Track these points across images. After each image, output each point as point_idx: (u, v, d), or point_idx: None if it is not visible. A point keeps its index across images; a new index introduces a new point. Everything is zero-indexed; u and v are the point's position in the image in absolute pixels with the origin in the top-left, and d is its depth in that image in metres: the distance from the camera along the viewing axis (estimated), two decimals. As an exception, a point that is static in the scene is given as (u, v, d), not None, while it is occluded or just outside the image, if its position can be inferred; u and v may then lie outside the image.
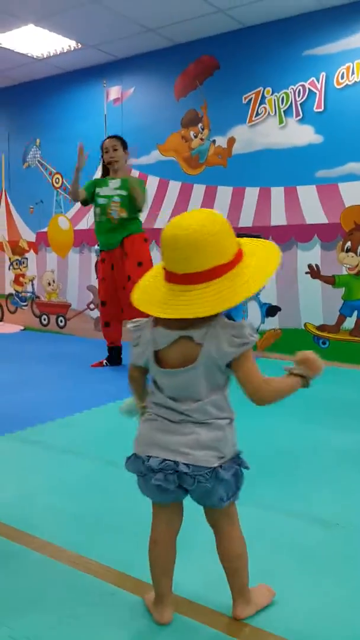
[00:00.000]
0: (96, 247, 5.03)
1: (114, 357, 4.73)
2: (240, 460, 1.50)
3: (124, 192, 4.41)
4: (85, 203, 4.68)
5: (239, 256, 1.39)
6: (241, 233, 5.05)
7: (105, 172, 4.61)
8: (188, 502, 1.52)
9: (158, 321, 1.41)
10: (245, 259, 1.40)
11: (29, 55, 5.76)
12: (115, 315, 4.62)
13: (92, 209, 4.69)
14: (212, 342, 1.37)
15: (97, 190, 4.53)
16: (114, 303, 4.58)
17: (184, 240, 1.32)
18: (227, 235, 1.37)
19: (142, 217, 4.65)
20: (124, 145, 4.55)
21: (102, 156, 4.58)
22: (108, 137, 4.60)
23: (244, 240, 1.46)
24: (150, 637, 1.48)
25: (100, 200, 4.49)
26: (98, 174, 6.07)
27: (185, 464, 1.39)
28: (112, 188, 4.46)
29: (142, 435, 1.47)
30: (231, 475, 1.44)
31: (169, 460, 1.40)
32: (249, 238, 1.49)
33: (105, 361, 4.74)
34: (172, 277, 1.37)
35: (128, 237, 4.45)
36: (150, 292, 1.41)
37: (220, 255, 1.35)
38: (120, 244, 4.46)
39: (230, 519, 1.51)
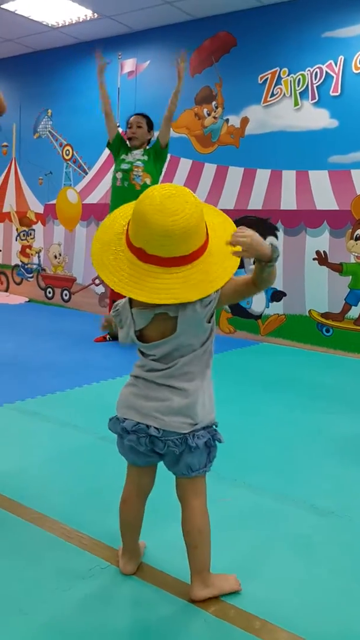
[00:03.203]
0: None
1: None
2: (215, 431, 1.52)
3: (146, 158, 4.43)
4: (110, 127, 4.53)
5: (207, 232, 1.42)
6: (249, 216, 5.05)
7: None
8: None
9: (133, 302, 1.44)
10: (210, 233, 1.43)
11: (44, 23, 5.67)
12: None
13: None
14: (186, 312, 1.40)
15: (122, 155, 4.50)
16: None
17: (177, 228, 1.32)
18: (202, 214, 1.39)
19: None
20: (150, 125, 4.53)
21: (126, 129, 4.56)
22: (135, 114, 4.56)
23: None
24: (139, 612, 1.50)
25: (124, 165, 4.45)
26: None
27: (156, 427, 1.45)
28: (134, 156, 4.46)
29: (122, 398, 1.54)
30: (202, 443, 1.47)
31: (142, 423, 1.46)
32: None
33: (108, 336, 4.75)
34: (153, 259, 1.35)
35: None
36: (125, 275, 1.38)
37: (202, 237, 1.39)
38: None
39: (196, 492, 1.54)
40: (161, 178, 4.71)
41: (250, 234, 1.36)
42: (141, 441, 1.47)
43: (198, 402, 1.47)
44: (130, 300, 1.45)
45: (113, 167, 4.63)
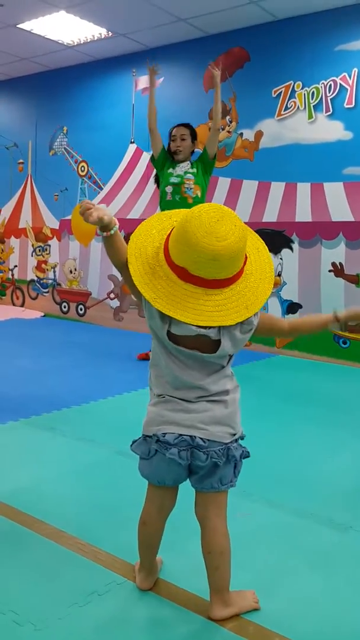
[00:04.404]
0: None
1: None
2: (244, 446, 1.53)
3: (195, 170, 4.25)
4: (154, 142, 4.31)
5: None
6: (264, 229, 5.04)
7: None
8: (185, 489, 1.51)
9: None
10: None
11: (60, 42, 5.76)
12: None
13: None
14: (227, 336, 1.41)
15: (169, 169, 4.32)
16: None
17: (227, 253, 1.32)
18: (247, 236, 1.41)
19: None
20: (194, 136, 4.31)
21: (169, 142, 4.34)
22: (177, 125, 4.34)
23: None
24: (156, 628, 1.47)
25: (173, 179, 4.28)
26: (127, 158, 6.14)
27: (201, 438, 1.43)
28: (182, 169, 4.27)
29: (155, 415, 1.48)
30: (239, 455, 1.48)
31: (185, 435, 1.43)
32: None
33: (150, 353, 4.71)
34: (194, 280, 1.35)
35: None
36: (164, 292, 1.37)
37: (243, 260, 1.40)
38: None
39: (219, 510, 1.51)
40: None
41: None
42: (182, 455, 1.44)
43: (237, 414, 1.49)
44: None
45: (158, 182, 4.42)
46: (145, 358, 4.68)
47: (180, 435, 1.43)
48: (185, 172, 4.28)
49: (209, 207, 1.36)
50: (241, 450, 1.50)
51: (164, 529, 1.60)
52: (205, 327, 1.38)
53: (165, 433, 1.45)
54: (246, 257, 1.41)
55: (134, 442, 1.54)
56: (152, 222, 1.48)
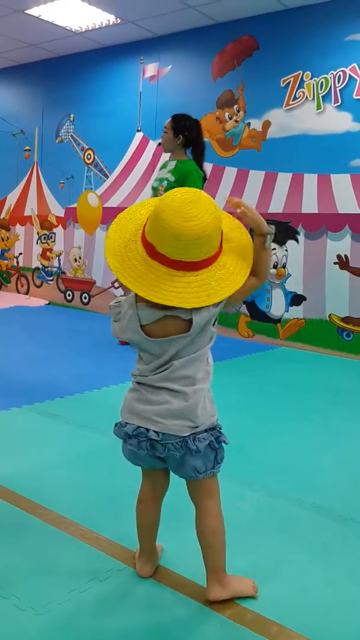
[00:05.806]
0: None
1: None
2: (219, 433, 1.51)
3: (173, 178, 4.10)
4: None
5: (221, 244, 1.41)
6: (270, 220, 5.02)
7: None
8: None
9: (140, 298, 1.42)
10: (223, 245, 1.42)
11: (68, 28, 5.72)
12: None
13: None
14: (200, 313, 1.40)
15: (157, 172, 4.25)
16: None
17: (190, 234, 1.32)
18: (220, 226, 1.39)
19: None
20: (175, 129, 4.12)
21: None
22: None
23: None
24: (156, 614, 1.49)
25: (154, 183, 4.23)
26: (133, 146, 6.13)
27: (155, 431, 1.44)
28: (166, 171, 4.18)
29: (125, 403, 1.54)
30: (205, 446, 1.46)
31: (142, 427, 1.46)
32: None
33: None
34: (159, 258, 1.36)
35: None
36: (129, 265, 1.39)
37: (214, 248, 1.39)
38: None
39: (209, 493, 1.53)
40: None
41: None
42: (142, 445, 1.46)
43: (199, 405, 1.45)
44: (136, 296, 1.44)
45: None
46: (125, 343, 4.69)
47: (138, 427, 1.47)
48: (164, 178, 4.15)
49: (187, 189, 1.39)
50: (209, 440, 1.46)
51: (160, 512, 1.62)
52: (170, 309, 1.38)
53: (127, 423, 1.49)
54: (221, 249, 1.41)
55: (115, 425, 1.57)
56: (143, 202, 1.50)
